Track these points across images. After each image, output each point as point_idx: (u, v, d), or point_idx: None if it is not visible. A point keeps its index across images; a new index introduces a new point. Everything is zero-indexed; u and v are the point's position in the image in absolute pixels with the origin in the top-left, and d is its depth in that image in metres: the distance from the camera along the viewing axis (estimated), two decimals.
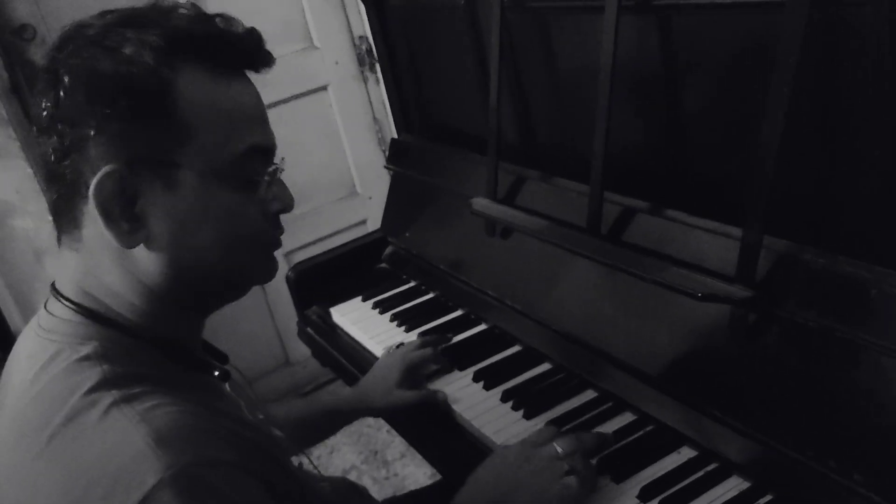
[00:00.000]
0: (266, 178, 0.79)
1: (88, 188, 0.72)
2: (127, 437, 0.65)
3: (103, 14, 0.76)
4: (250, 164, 0.78)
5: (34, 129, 0.76)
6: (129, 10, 0.76)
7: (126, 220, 0.73)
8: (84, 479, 0.65)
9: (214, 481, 0.65)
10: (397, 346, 1.34)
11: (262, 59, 0.80)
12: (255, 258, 0.82)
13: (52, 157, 0.74)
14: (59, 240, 0.79)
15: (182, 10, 0.76)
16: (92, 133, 0.71)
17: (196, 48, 0.74)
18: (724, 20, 0.98)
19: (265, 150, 0.80)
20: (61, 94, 0.72)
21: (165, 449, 0.64)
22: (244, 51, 0.78)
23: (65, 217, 0.77)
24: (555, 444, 0.97)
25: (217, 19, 0.77)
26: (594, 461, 1.01)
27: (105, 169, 0.71)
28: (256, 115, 0.79)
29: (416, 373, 1.27)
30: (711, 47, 1.02)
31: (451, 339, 1.37)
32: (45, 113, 0.73)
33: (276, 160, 0.81)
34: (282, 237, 0.84)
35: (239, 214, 0.77)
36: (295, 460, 0.99)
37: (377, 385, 1.26)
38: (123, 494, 0.62)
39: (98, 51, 0.72)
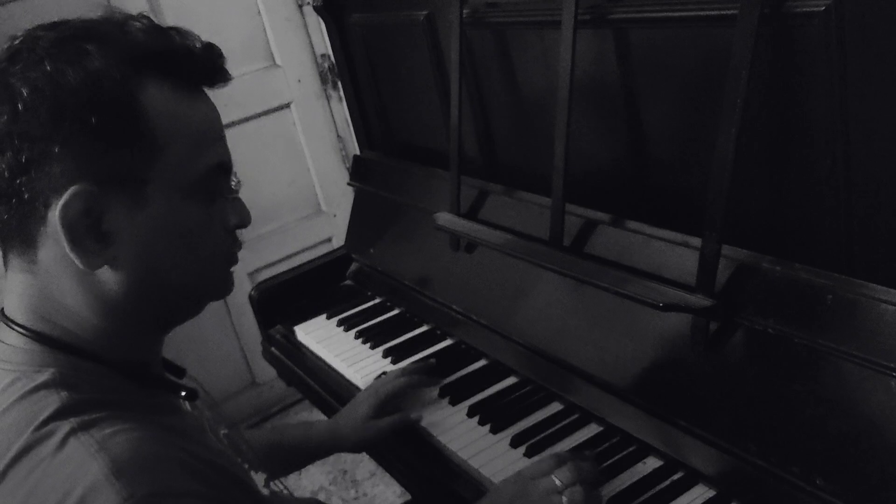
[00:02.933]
0: (229, 194, 0.80)
1: (47, 207, 0.70)
2: (85, 467, 0.63)
3: (55, 25, 0.73)
4: (214, 180, 0.77)
5: None
6: (84, 22, 0.73)
7: (93, 241, 0.70)
8: None
9: None
10: (378, 377, 1.30)
11: (221, 75, 0.79)
12: (215, 273, 0.81)
13: (6, 174, 0.70)
14: (5, 262, 0.76)
15: (136, 23, 0.74)
16: (57, 150, 0.68)
17: (158, 63, 0.73)
18: (679, 33, 1.00)
19: (227, 166, 0.79)
20: (20, 107, 0.68)
21: (125, 479, 0.62)
22: (204, 66, 0.77)
23: (16, 237, 0.73)
24: (553, 478, 0.94)
25: (173, 33, 0.75)
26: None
27: (73, 189, 0.68)
28: (218, 131, 0.79)
29: (390, 405, 1.22)
30: (668, 60, 1.03)
31: (433, 364, 1.31)
32: None
33: (234, 177, 0.82)
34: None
35: (204, 230, 0.77)
36: (260, 479, 0.97)
37: (348, 421, 1.22)
38: None
39: (60, 64, 0.68)
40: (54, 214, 0.69)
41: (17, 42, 0.71)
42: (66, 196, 0.68)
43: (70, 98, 0.68)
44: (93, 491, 0.62)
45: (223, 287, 0.83)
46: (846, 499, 0.81)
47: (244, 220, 0.81)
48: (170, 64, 0.74)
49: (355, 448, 1.23)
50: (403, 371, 1.27)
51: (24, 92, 0.68)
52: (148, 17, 0.76)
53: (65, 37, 0.71)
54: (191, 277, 0.78)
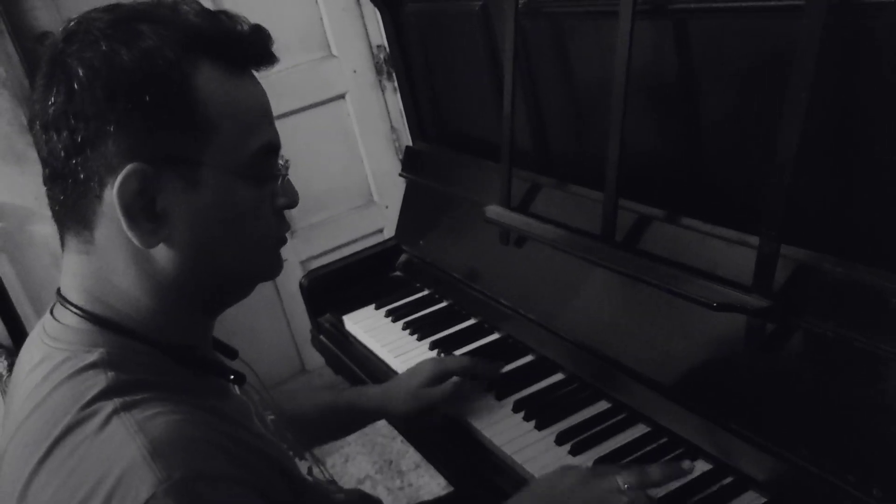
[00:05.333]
0: (280, 174, 0.81)
1: (102, 186, 0.71)
2: (124, 448, 0.64)
3: (111, 8, 0.74)
4: (264, 161, 0.78)
5: (36, 123, 0.73)
6: (138, 5, 0.75)
7: (147, 220, 0.71)
8: (81, 492, 0.63)
9: (210, 495, 0.64)
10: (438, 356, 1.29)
11: (269, 58, 0.79)
12: (266, 254, 0.82)
13: (62, 154, 0.71)
14: (62, 242, 0.77)
15: (186, 6, 0.75)
16: (112, 129, 0.69)
17: (209, 45, 0.74)
18: (741, 24, 0.97)
19: (276, 147, 0.80)
20: (75, 87, 0.69)
21: (161, 461, 0.63)
22: (254, 49, 0.77)
23: (72, 218, 0.74)
24: (616, 477, 0.89)
25: (222, 16, 0.76)
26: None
27: (130, 167, 0.69)
28: (267, 112, 0.79)
29: (443, 381, 1.20)
30: (728, 52, 1.00)
31: (500, 369, 1.27)
32: (53, 107, 0.70)
33: (281, 158, 0.82)
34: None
35: (255, 211, 0.78)
36: (305, 466, 0.98)
37: (401, 387, 1.20)
38: None
39: (115, 44, 0.70)
40: (110, 193, 0.70)
41: (73, 24, 0.73)
42: (122, 175, 0.69)
43: (124, 77, 0.69)
44: (130, 471, 0.63)
45: (273, 268, 0.83)
46: None
47: (292, 200, 0.82)
48: (220, 46, 0.74)
49: (404, 416, 1.20)
50: (471, 359, 1.24)
51: (80, 71, 0.69)
52: (197, 1, 0.76)
53: (119, 18, 0.72)
54: (242, 258, 0.78)
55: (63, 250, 0.78)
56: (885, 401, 0.81)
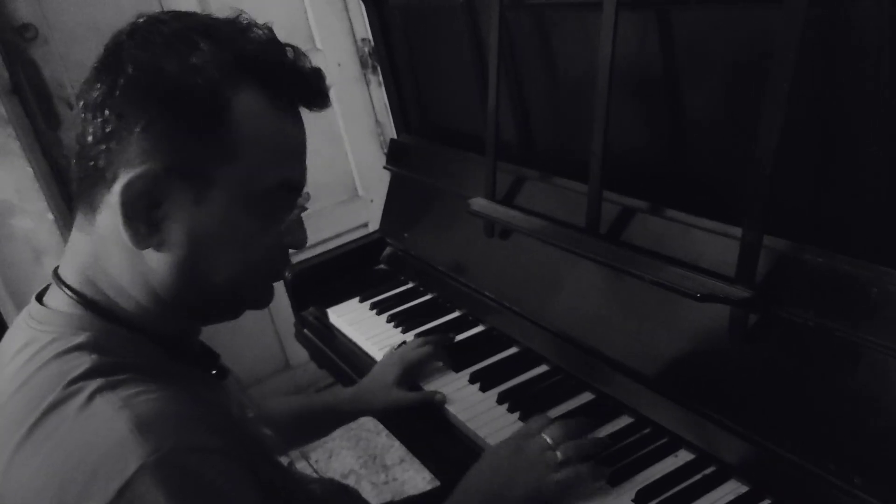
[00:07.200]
0: (292, 214, 0.80)
1: (115, 179, 0.72)
2: (109, 423, 0.65)
3: (181, 16, 0.76)
4: (279, 197, 0.78)
5: (80, 103, 0.75)
6: (207, 20, 0.76)
7: (145, 223, 0.73)
8: (66, 467, 0.64)
9: (197, 467, 0.64)
10: (398, 346, 1.33)
11: (321, 100, 0.80)
12: (257, 285, 0.82)
13: (91, 139, 0.73)
14: (74, 220, 0.79)
15: (258, 31, 0.76)
16: (138, 130, 0.71)
17: (263, 73, 0.74)
18: (724, 16, 0.97)
19: (296, 186, 0.80)
20: (121, 80, 0.72)
21: (147, 435, 0.64)
22: (307, 88, 0.78)
23: (84, 197, 0.76)
24: (544, 436, 0.98)
25: (288, 49, 0.77)
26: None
27: (141, 168, 0.71)
28: (299, 151, 0.80)
29: (415, 372, 1.25)
30: (711, 44, 1.01)
31: (453, 338, 1.35)
32: (96, 93, 0.73)
33: (303, 196, 0.82)
34: None
35: (256, 243, 0.77)
36: (285, 460, 0.98)
37: (374, 385, 1.25)
38: (105, 481, 0.62)
39: (168, 51, 0.72)
40: (118, 187, 0.72)
41: (142, 21, 0.75)
42: (132, 174, 0.71)
43: (165, 86, 0.71)
44: (117, 445, 0.64)
45: (262, 299, 0.84)
46: (884, 498, 0.78)
47: (298, 241, 0.82)
48: (274, 76, 0.75)
49: (380, 413, 1.26)
50: (424, 341, 1.30)
51: (129, 68, 0.72)
52: (270, 29, 0.78)
53: (183, 28, 0.74)
54: (231, 283, 0.78)
55: (73, 226, 0.80)
56: (865, 390, 0.82)
